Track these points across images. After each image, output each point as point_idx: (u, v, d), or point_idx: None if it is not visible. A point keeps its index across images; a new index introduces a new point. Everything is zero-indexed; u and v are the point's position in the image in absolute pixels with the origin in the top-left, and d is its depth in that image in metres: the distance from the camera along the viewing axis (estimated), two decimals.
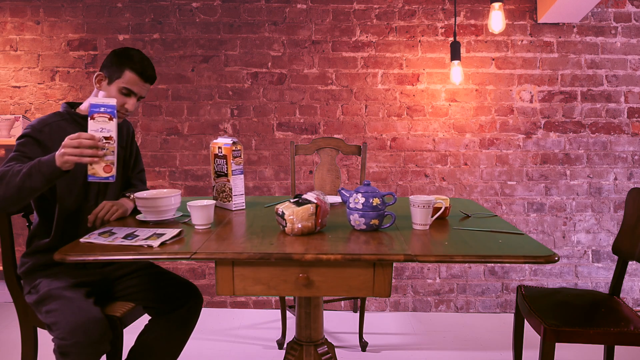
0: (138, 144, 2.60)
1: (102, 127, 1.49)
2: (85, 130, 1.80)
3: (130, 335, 2.00)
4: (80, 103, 1.90)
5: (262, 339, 2.82)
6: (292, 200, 1.55)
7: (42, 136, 1.71)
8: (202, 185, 3.26)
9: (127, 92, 1.77)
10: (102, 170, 1.50)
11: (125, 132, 2.01)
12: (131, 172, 2.04)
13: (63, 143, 1.47)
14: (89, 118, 1.50)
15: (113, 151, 1.51)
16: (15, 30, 3.21)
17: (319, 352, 1.71)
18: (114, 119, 1.52)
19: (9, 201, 1.53)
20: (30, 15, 3.20)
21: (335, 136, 3.21)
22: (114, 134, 1.51)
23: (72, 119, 1.81)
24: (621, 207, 3.22)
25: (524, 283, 3.26)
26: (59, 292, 1.65)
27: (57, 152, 1.48)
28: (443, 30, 3.19)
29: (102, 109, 1.49)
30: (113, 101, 1.52)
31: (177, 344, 1.90)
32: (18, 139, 1.70)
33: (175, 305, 1.86)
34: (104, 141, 1.49)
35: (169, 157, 3.25)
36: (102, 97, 1.75)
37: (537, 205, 3.24)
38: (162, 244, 1.41)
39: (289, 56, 3.21)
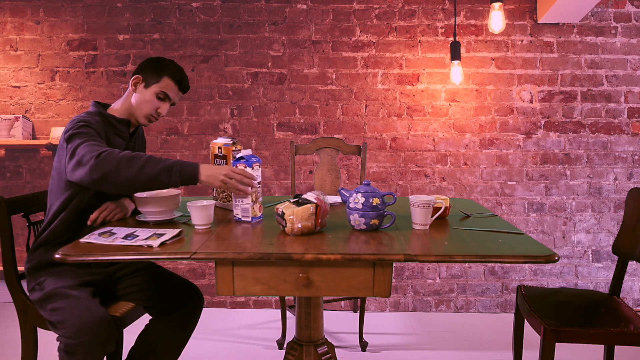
0: None
1: (258, 175, 1.70)
2: (119, 132, 1.83)
3: (131, 335, 2.00)
4: (108, 105, 1.90)
5: (262, 339, 2.82)
6: (292, 200, 1.55)
7: (94, 126, 1.69)
8: (202, 185, 3.26)
9: (163, 97, 1.83)
10: (258, 211, 1.72)
11: (140, 138, 2.04)
12: None
13: (228, 172, 1.58)
14: (249, 168, 1.67)
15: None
16: (15, 30, 3.21)
17: (319, 352, 1.71)
18: (260, 167, 1.74)
19: (129, 185, 1.54)
20: (30, 15, 3.21)
21: (335, 136, 3.21)
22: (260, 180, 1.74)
23: (108, 121, 1.81)
24: (621, 207, 3.22)
25: (524, 283, 3.26)
26: (65, 291, 1.66)
27: (208, 169, 1.59)
28: (443, 30, 3.19)
29: (254, 159, 1.69)
30: (249, 151, 1.75)
31: (177, 344, 1.90)
32: (76, 128, 1.64)
33: (176, 305, 1.86)
34: (259, 186, 1.71)
35: (168, 157, 3.24)
36: (136, 99, 1.82)
37: (537, 205, 3.24)
38: (162, 244, 1.41)
39: (289, 56, 3.21)
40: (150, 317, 1.91)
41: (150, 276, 1.91)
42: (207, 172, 1.59)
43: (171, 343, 1.88)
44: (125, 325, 1.78)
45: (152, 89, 1.81)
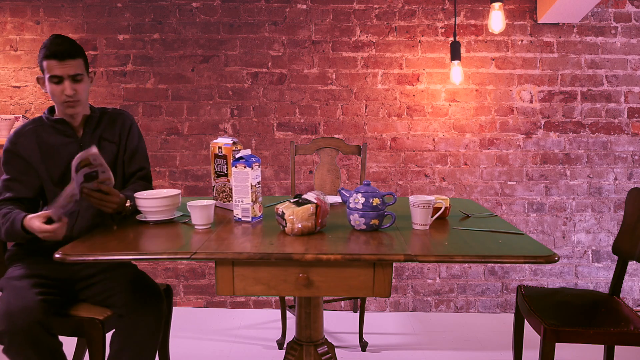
0: None
1: (257, 174, 1.69)
2: (60, 131, 1.83)
3: None
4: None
5: (262, 339, 2.82)
6: (292, 200, 1.55)
7: (18, 148, 1.78)
8: (202, 185, 3.26)
9: (56, 80, 1.74)
10: (258, 211, 1.72)
11: (119, 127, 1.92)
12: (126, 170, 1.94)
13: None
14: (249, 168, 1.65)
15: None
16: (15, 30, 3.21)
17: (319, 352, 1.71)
18: (259, 167, 1.73)
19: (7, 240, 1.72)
20: (30, 15, 3.20)
21: (335, 136, 3.21)
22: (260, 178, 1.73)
23: (50, 125, 1.83)
24: (621, 207, 3.22)
25: (524, 283, 3.26)
26: (9, 282, 1.67)
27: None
28: (443, 30, 3.19)
29: (254, 159, 1.67)
30: (248, 151, 1.74)
31: (147, 347, 1.75)
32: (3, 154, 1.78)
33: (133, 308, 1.72)
34: (258, 186, 1.71)
35: (169, 157, 3.25)
36: (50, 96, 1.80)
37: (537, 205, 3.24)
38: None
39: (289, 56, 3.21)
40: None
41: (113, 280, 1.77)
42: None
43: (139, 348, 1.73)
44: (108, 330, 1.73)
45: (46, 79, 1.75)
